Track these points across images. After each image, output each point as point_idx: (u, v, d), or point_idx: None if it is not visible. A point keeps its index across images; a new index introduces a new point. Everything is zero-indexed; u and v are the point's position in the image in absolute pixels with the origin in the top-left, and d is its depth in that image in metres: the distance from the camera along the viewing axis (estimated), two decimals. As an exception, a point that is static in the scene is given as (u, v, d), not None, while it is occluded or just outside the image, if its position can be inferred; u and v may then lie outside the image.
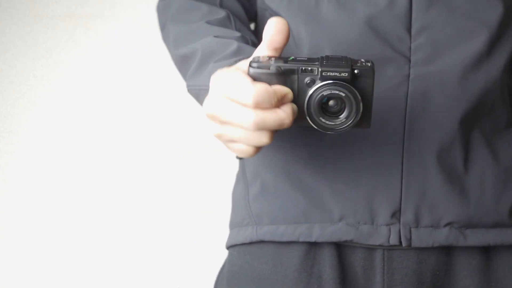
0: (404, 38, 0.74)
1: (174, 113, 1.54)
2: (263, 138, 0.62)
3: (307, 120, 0.64)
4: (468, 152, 0.77)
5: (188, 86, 0.78)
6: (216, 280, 0.90)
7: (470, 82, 0.74)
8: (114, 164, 1.55)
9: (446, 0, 0.74)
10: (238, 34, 0.80)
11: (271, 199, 0.82)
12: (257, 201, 0.84)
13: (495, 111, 0.77)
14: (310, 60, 0.63)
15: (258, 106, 0.60)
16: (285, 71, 0.62)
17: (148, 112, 1.54)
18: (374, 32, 0.74)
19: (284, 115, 0.61)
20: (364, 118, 0.63)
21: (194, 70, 0.77)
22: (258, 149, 0.64)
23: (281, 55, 0.65)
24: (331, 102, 0.63)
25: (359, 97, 0.62)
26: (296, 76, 0.63)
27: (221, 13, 0.84)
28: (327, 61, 0.63)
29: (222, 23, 0.84)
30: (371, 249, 0.78)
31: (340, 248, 0.79)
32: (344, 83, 0.62)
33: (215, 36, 0.79)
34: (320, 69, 0.62)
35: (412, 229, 0.77)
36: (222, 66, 0.70)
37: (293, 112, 0.62)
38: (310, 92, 0.63)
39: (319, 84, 0.62)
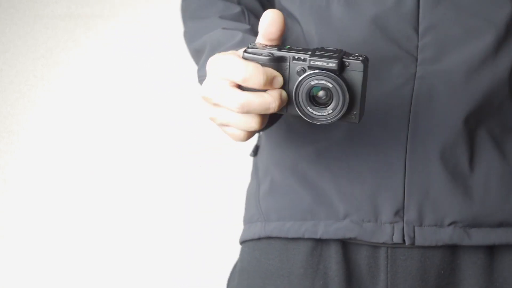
0: (411, 37, 0.75)
1: (174, 113, 1.54)
2: (252, 123, 0.63)
3: (295, 109, 0.64)
4: (474, 151, 0.77)
5: (198, 77, 0.79)
6: (229, 276, 0.91)
7: (476, 81, 0.75)
8: (114, 164, 1.55)
9: None
10: (247, 26, 0.81)
11: (279, 196, 0.83)
12: (266, 198, 0.85)
13: (503, 111, 0.77)
14: (304, 50, 0.64)
15: (246, 82, 0.61)
16: (277, 58, 0.63)
17: (148, 112, 1.54)
18: (381, 31, 0.74)
19: (270, 99, 0.62)
20: (352, 112, 0.63)
21: (203, 61, 0.79)
22: (250, 134, 0.65)
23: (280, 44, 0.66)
24: (320, 93, 0.63)
25: (346, 89, 0.62)
26: (287, 64, 0.63)
27: (236, 9, 0.86)
28: (320, 51, 0.63)
29: (235, 18, 0.85)
30: (375, 247, 0.79)
31: (345, 245, 0.80)
32: (332, 74, 0.62)
33: (223, 28, 0.80)
34: (309, 58, 0.62)
35: (415, 228, 0.77)
36: None
37: (281, 98, 0.63)
38: (298, 80, 0.63)
39: (307, 73, 0.62)
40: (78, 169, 1.54)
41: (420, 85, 0.75)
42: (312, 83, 0.62)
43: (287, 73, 0.64)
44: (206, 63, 0.77)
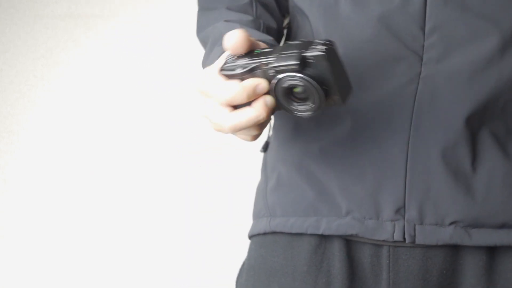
0: (417, 36, 0.75)
1: (174, 113, 1.54)
2: (251, 132, 0.65)
3: (282, 108, 0.65)
4: (476, 152, 0.77)
5: (202, 66, 0.80)
6: (238, 273, 0.92)
7: (480, 82, 0.75)
8: (114, 164, 1.55)
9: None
10: (250, 18, 0.82)
11: (284, 192, 0.84)
12: (273, 193, 0.86)
13: (508, 112, 0.77)
14: (269, 52, 0.64)
15: (231, 102, 0.62)
16: (250, 70, 0.64)
17: (148, 112, 1.54)
18: (387, 30, 0.75)
19: (255, 113, 0.63)
20: (333, 97, 0.63)
21: (206, 54, 0.80)
22: (256, 136, 0.66)
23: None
24: (297, 89, 0.63)
25: (315, 83, 0.62)
26: (261, 70, 0.63)
27: (244, 0, 0.86)
28: (282, 51, 0.63)
29: (242, 9, 0.85)
30: (378, 246, 0.79)
31: (349, 244, 0.80)
32: (296, 75, 0.62)
33: (225, 21, 0.81)
34: (272, 65, 0.63)
35: (416, 226, 0.77)
36: (222, 50, 0.72)
37: (267, 106, 0.63)
38: (273, 86, 0.63)
39: (276, 78, 0.63)
40: (78, 169, 1.54)
41: (424, 84, 0.75)
42: (284, 86, 0.63)
43: (266, 77, 0.64)
44: (207, 55, 0.78)
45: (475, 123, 0.76)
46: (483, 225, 0.77)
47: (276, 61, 0.62)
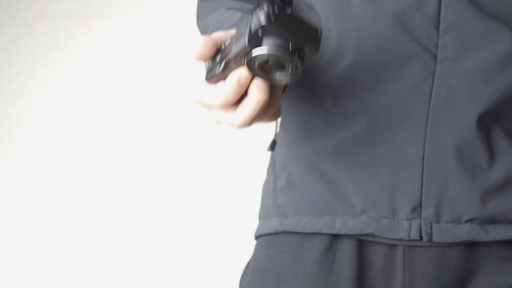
0: (432, 35, 0.75)
1: (174, 113, 1.54)
2: (266, 118, 0.66)
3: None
4: (492, 149, 0.77)
5: None
6: (242, 273, 0.91)
7: (494, 82, 0.75)
8: (114, 164, 1.55)
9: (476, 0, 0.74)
10: (251, 6, 0.82)
11: (296, 191, 0.83)
12: (283, 192, 0.85)
13: None
14: (229, 44, 0.64)
15: (226, 104, 0.63)
16: (225, 65, 0.64)
17: (148, 112, 1.54)
18: (401, 28, 0.75)
19: (254, 100, 0.63)
20: (307, 52, 0.62)
21: None
22: (275, 114, 0.67)
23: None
24: (269, 62, 0.62)
25: (279, 50, 0.60)
26: (233, 62, 0.63)
27: None
28: (236, 36, 0.62)
29: None
30: (392, 246, 0.78)
31: (361, 245, 0.80)
32: (257, 54, 0.61)
33: (226, 8, 0.81)
34: (233, 54, 0.62)
35: (433, 224, 0.77)
36: None
37: (259, 88, 0.63)
38: (249, 68, 0.63)
39: (245, 62, 0.62)
40: (78, 169, 1.54)
41: (439, 83, 0.75)
42: (256, 66, 0.62)
43: (240, 65, 0.64)
44: None
45: (489, 121, 0.76)
46: (499, 220, 0.77)
47: (234, 48, 0.62)
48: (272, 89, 0.67)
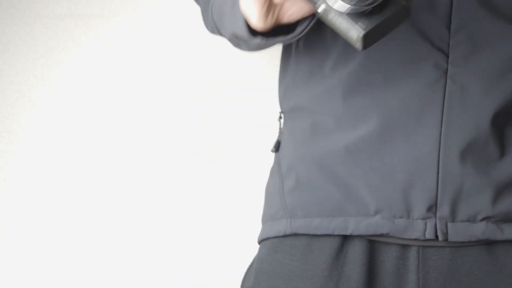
0: (443, 35, 0.75)
1: (174, 113, 1.54)
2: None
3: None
4: (506, 147, 0.77)
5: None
6: (243, 277, 0.90)
7: (507, 80, 0.75)
8: (114, 164, 1.55)
9: None
10: None
11: (305, 192, 0.83)
12: (292, 194, 0.84)
13: None
14: None
15: None
16: None
17: (148, 112, 1.54)
18: (413, 27, 0.75)
19: None
20: None
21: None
22: None
23: None
24: None
25: None
26: None
27: None
28: None
29: None
30: (405, 247, 0.78)
31: (373, 246, 0.79)
32: None
33: None
34: None
35: (448, 224, 0.77)
36: None
37: None
38: None
39: None
40: (78, 169, 1.54)
41: (452, 82, 0.75)
42: None
43: None
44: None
45: (504, 119, 0.76)
46: None
47: None
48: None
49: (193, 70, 1.52)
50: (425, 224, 0.76)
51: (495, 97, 0.74)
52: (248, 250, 0.97)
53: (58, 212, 1.54)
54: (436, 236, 0.76)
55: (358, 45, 0.62)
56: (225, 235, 1.55)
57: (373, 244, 0.78)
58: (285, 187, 0.84)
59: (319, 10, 0.63)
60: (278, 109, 1.06)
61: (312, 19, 0.71)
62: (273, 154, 0.95)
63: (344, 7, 0.61)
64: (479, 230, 0.76)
